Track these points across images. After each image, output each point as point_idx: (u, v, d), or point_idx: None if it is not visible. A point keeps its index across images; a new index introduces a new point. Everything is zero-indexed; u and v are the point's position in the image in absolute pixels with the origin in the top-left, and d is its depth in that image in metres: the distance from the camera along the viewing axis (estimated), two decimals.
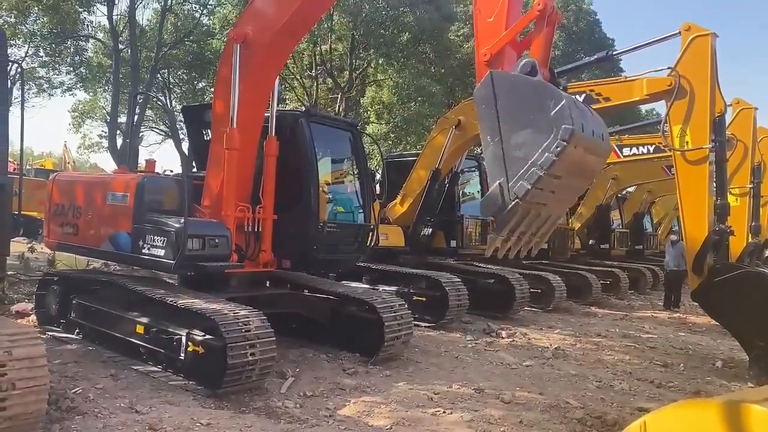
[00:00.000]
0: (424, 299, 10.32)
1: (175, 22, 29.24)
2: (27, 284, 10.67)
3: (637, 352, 9.65)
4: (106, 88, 32.12)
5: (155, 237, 6.46)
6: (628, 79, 9.70)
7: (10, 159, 6.24)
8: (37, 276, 10.11)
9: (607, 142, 4.78)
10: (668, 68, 8.65)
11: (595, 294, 14.93)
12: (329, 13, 25.62)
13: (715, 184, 8.40)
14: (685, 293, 13.03)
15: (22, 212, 10.67)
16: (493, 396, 6.54)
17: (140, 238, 6.61)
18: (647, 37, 9.05)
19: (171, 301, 6.16)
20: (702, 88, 8.38)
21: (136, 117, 26.01)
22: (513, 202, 4.25)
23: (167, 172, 8.69)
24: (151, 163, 8.15)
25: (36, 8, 25.75)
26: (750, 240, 10.53)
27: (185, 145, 27.36)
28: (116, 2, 26.17)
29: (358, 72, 32.62)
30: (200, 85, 33.70)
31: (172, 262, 6.28)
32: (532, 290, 12.31)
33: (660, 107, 9.40)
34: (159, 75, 30.33)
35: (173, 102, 33.32)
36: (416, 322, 8.90)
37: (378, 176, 17.10)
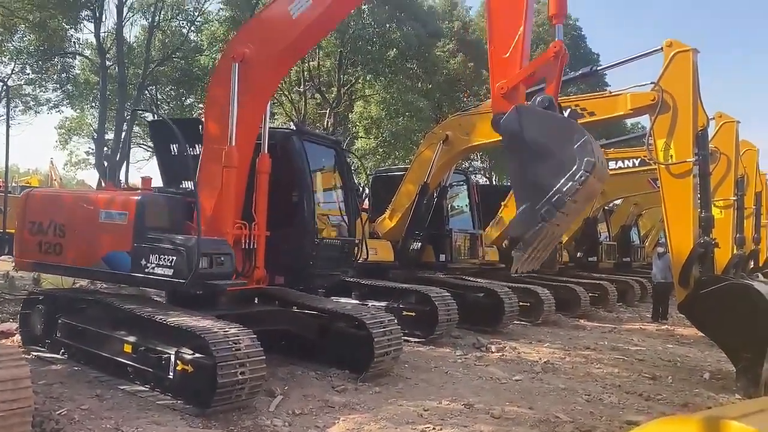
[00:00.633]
0: (413, 314, 10.30)
1: (163, 39, 29.29)
2: (12, 303, 10.55)
3: (626, 365, 9.68)
4: (93, 104, 32.04)
5: (161, 256, 6.38)
6: (612, 94, 9.85)
7: None
8: (22, 295, 10.00)
9: (607, 170, 5.52)
10: (651, 83, 8.79)
11: (583, 307, 14.99)
12: None
13: (699, 196, 8.50)
14: (672, 305, 13.11)
15: (6, 230, 10.61)
16: (483, 411, 6.52)
17: (142, 257, 6.52)
18: (631, 52, 9.18)
19: (160, 319, 6.12)
20: (684, 102, 8.52)
21: (123, 134, 25.93)
22: (540, 225, 4.77)
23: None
24: (147, 180, 8.04)
25: (23, 25, 25.69)
26: (735, 252, 10.65)
27: None
28: (104, 19, 26.20)
29: (346, 87, 32.80)
30: (188, 101, 33.73)
31: (183, 281, 6.21)
32: (521, 304, 12.35)
33: (645, 121, 9.53)
34: (146, 91, 30.29)
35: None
36: (406, 338, 8.89)
37: (366, 191, 17.15)
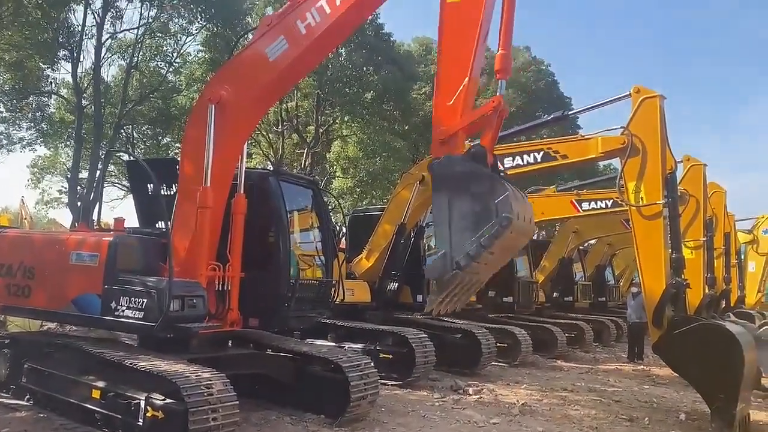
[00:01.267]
0: (390, 356, 10.19)
1: (141, 79, 29.33)
2: None
3: (603, 407, 9.66)
4: (68, 143, 31.73)
5: (132, 298, 6.27)
6: (584, 137, 10.12)
7: None
8: None
9: (533, 225, 5.89)
10: (621, 127, 9.06)
11: (560, 347, 15.00)
12: None
13: (670, 237, 8.68)
14: (647, 345, 13.20)
15: None
16: None
17: (112, 300, 6.40)
18: (602, 95, 9.49)
19: (130, 363, 5.96)
20: (653, 146, 8.78)
21: (97, 172, 25.65)
22: (454, 272, 5.07)
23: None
24: (120, 221, 7.92)
25: None
26: (706, 292, 10.81)
27: None
28: (81, 59, 26.17)
29: (323, 128, 33.08)
30: (165, 140, 33.62)
31: (153, 324, 6.09)
32: (498, 345, 12.32)
33: (617, 162, 9.80)
34: (122, 130, 30.15)
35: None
36: (382, 381, 8.76)
37: (343, 230, 17.13)
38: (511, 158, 10.62)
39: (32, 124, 30.29)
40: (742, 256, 18.47)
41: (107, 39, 26.36)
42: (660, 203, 8.58)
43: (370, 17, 25.21)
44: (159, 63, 29.58)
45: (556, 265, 18.48)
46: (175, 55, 29.24)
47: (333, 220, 13.33)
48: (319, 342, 9.78)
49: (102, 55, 26.09)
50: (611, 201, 14.39)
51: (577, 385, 11.40)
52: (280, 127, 31.72)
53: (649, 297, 8.49)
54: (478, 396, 9.73)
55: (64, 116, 30.59)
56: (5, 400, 7.21)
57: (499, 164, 5.68)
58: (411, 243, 12.40)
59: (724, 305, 13.41)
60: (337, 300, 8.54)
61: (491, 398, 9.66)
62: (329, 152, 34.79)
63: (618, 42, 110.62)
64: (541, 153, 9.95)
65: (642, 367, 14.60)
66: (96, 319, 6.63)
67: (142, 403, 5.76)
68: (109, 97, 29.13)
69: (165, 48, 29.08)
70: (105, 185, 33.15)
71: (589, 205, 14.98)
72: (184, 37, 28.29)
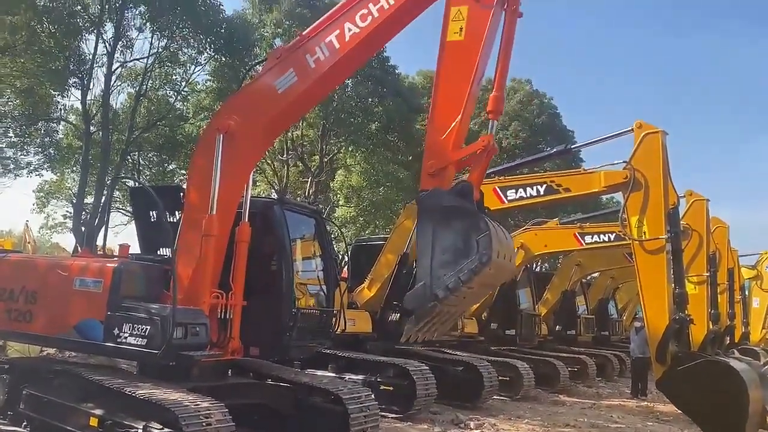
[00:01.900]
0: (391, 388, 10.09)
1: (149, 107, 29.69)
2: None
3: None
4: (75, 168, 31.98)
5: (135, 325, 6.26)
6: (587, 171, 10.20)
7: None
8: None
9: (513, 263, 6.07)
10: (624, 162, 9.14)
11: (563, 382, 14.81)
12: None
13: (673, 272, 8.67)
14: (651, 380, 13.05)
15: None
16: None
17: (115, 326, 6.39)
18: (605, 129, 9.61)
19: (129, 391, 5.92)
20: (655, 181, 8.84)
21: (103, 198, 25.80)
22: (432, 303, 5.20)
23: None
24: (125, 247, 7.95)
25: (8, 91, 25.94)
26: (710, 328, 10.75)
27: None
28: (91, 87, 26.55)
29: (328, 157, 33.33)
30: (171, 166, 33.86)
31: (156, 351, 6.08)
32: (500, 378, 12.18)
33: (619, 196, 9.85)
34: (129, 157, 30.42)
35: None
36: (383, 413, 8.66)
37: (345, 259, 17.12)
38: (514, 191, 10.69)
39: (40, 149, 30.54)
40: (746, 292, 18.40)
41: (117, 67, 26.77)
42: (663, 238, 8.61)
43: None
44: (167, 91, 30.00)
45: (559, 298, 18.38)
46: (183, 83, 29.66)
47: (335, 248, 13.37)
48: (319, 372, 9.70)
49: (112, 82, 26.48)
50: (614, 234, 14.39)
51: (580, 421, 11.24)
52: (285, 155, 31.95)
53: (653, 332, 8.45)
54: (479, 430, 9.60)
55: (71, 142, 30.90)
56: (3, 427, 7.14)
57: (483, 202, 5.84)
58: (413, 273, 12.38)
59: (728, 341, 13.33)
60: (338, 330, 8.50)
61: None
62: (333, 181, 34.97)
63: (619, 79, 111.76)
64: (545, 186, 10.01)
65: (646, 403, 14.39)
66: (98, 345, 6.61)
67: None
68: (117, 123, 29.47)
69: (174, 77, 29.51)
70: (110, 211, 33.34)
71: (592, 238, 14.97)
72: (192, 67, 28.73)
